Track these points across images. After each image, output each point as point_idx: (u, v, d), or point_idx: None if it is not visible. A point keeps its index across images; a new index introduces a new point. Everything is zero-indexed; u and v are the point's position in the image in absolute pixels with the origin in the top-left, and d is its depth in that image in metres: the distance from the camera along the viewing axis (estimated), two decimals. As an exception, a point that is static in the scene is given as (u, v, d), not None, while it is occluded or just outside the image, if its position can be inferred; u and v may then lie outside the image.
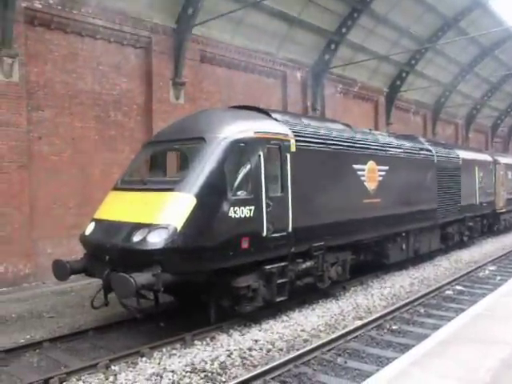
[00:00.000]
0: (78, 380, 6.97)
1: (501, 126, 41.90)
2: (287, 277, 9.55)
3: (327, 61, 21.69)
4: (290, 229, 9.43)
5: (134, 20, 15.01)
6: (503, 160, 24.45)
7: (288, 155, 9.55)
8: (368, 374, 6.54)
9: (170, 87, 15.99)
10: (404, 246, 14.33)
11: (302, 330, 9.15)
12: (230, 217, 8.23)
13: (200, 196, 7.94)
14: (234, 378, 7.05)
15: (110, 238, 8.07)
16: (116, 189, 9.30)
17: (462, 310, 9.36)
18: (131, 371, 7.28)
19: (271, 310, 10.08)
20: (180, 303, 9.91)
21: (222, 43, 17.69)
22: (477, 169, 20.07)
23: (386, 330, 9.31)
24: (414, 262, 15.59)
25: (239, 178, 8.64)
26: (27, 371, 7.38)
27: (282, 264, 9.40)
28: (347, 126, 12.81)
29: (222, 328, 9.05)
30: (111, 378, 7.02)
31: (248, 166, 8.75)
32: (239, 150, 8.67)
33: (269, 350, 8.17)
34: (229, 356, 7.82)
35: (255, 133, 9.00)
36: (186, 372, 7.20)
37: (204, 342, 8.46)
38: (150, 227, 7.69)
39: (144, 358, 7.73)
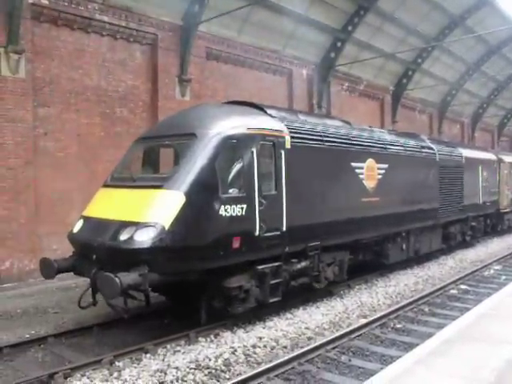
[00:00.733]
0: (82, 376, 6.99)
1: (507, 124, 41.72)
2: (281, 277, 9.30)
3: (333, 59, 21.65)
4: (284, 228, 9.18)
5: (140, 17, 15.03)
6: (508, 159, 24.05)
7: (283, 152, 9.28)
8: (372, 373, 6.53)
9: (175, 84, 16.00)
10: (404, 246, 14.05)
11: (306, 328, 9.15)
12: (221, 215, 7.97)
13: (189, 193, 7.69)
14: (237, 375, 7.06)
15: (97, 237, 7.87)
16: (105, 185, 9.08)
17: (467, 310, 9.33)
18: (135, 367, 7.30)
19: (275, 308, 10.09)
20: (172, 303, 9.72)
21: (228, 40, 17.69)
22: (480, 167, 19.71)
23: (390, 329, 9.29)
24: (418, 261, 15.55)
25: (231, 175, 8.41)
26: (32, 366, 7.42)
27: (276, 264, 9.16)
28: (346, 122, 12.64)
29: (226, 325, 9.06)
30: (115, 374, 7.04)
31: (240, 163, 8.49)
32: (231, 147, 8.42)
33: (273, 348, 8.17)
34: (233, 353, 7.83)
35: (248, 129, 8.75)
36: (190, 369, 7.21)
37: (208, 339, 8.47)
38: (137, 225, 7.46)
39: (148, 355, 7.75)
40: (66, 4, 13.38)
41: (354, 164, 11.45)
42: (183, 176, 7.83)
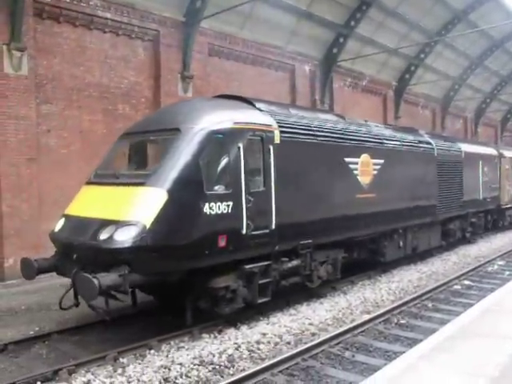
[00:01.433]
0: (86, 372, 7.01)
1: (511, 119, 41.60)
2: (270, 277, 9.06)
3: (336, 54, 21.61)
4: (274, 226, 8.92)
5: (142, 13, 15.01)
6: (509, 154, 23.63)
7: (271, 147, 9.00)
8: (376, 368, 6.54)
9: (178, 80, 15.99)
10: (401, 244, 13.75)
11: (310, 324, 9.15)
12: (205, 213, 7.74)
13: (172, 191, 7.47)
14: (241, 370, 7.07)
15: (78, 236, 7.70)
16: (89, 183, 8.84)
17: (471, 305, 9.31)
18: (139, 363, 7.31)
19: (279, 304, 10.10)
20: (159, 303, 9.58)
21: (231, 36, 17.66)
22: (480, 163, 19.40)
23: (393, 325, 9.29)
24: (422, 257, 15.54)
25: (216, 171, 8.19)
26: (37, 363, 7.44)
27: (265, 263, 8.91)
28: (340, 116, 12.38)
29: (229, 321, 9.07)
30: (119, 370, 7.06)
31: (226, 159, 8.26)
32: (217, 142, 8.18)
33: (276, 344, 8.18)
34: (237, 349, 7.84)
35: (235, 123, 8.50)
36: (194, 365, 7.23)
37: (212, 335, 8.48)
38: (117, 224, 7.26)
39: (152, 351, 7.77)
40: (68, 1, 13.37)
41: (347, 159, 11.15)
42: (166, 173, 7.61)
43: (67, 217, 8.43)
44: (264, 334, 8.51)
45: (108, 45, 14.56)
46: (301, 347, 7.77)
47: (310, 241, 9.85)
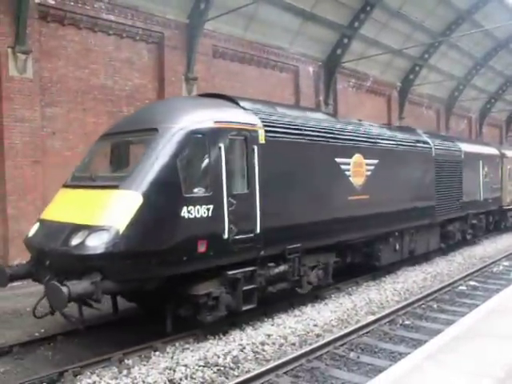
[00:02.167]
0: (91, 373, 7.03)
1: (516, 119, 41.49)
2: (256, 283, 8.63)
3: (340, 55, 21.60)
4: (258, 230, 8.51)
5: (146, 15, 15.05)
6: (511, 153, 23.11)
7: (255, 147, 8.60)
8: (381, 369, 6.53)
9: (182, 82, 16.02)
10: (398, 247, 13.21)
11: (315, 325, 9.14)
12: (183, 217, 7.37)
13: (148, 194, 7.12)
14: (246, 372, 7.07)
15: (50, 241, 7.36)
16: (66, 186, 8.49)
17: (476, 306, 9.29)
18: (144, 365, 7.32)
19: (283, 305, 10.10)
20: (142, 310, 9.25)
21: (235, 38, 17.68)
22: (481, 163, 18.83)
23: (398, 325, 9.27)
24: (427, 257, 15.50)
25: (195, 173, 7.85)
26: (42, 364, 7.45)
27: (250, 269, 8.50)
28: (331, 115, 11.94)
29: (234, 323, 9.07)
30: (125, 372, 7.07)
31: (206, 160, 7.89)
32: (196, 142, 7.80)
33: (281, 345, 8.17)
34: (241, 350, 7.84)
35: (215, 122, 8.09)
36: (199, 366, 7.23)
37: (217, 337, 8.48)
38: (89, 229, 6.93)
39: (157, 352, 7.77)
40: (73, 4, 13.43)
41: (338, 160, 10.72)
42: (141, 175, 7.27)
43: (42, 221, 8.10)
44: (269, 335, 8.50)
45: (112, 47, 14.60)
46: (306, 348, 7.77)
47: (298, 245, 9.44)
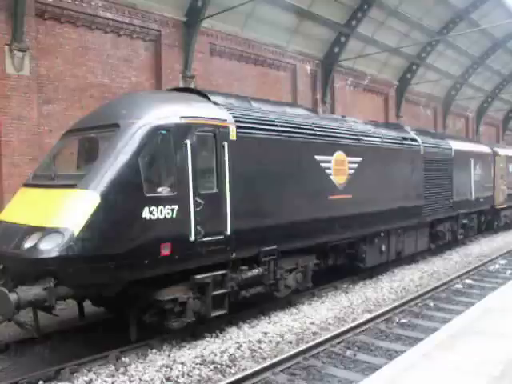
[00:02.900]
0: (88, 371, 7.05)
1: (512, 118, 41.55)
2: (226, 287, 8.27)
3: (337, 54, 21.57)
4: (229, 231, 8.14)
5: (143, 13, 15.00)
6: (503, 152, 22.64)
7: (226, 144, 8.20)
8: (377, 367, 6.56)
9: (179, 80, 15.97)
10: (384, 248, 12.81)
11: (312, 323, 9.18)
12: (144, 218, 7.00)
13: (106, 194, 6.75)
14: (243, 370, 7.11)
15: (4, 244, 6.95)
16: (26, 185, 8.09)
17: (472, 304, 9.33)
18: (141, 363, 7.35)
19: (280, 303, 10.12)
20: (111, 315, 8.87)
21: (232, 36, 17.64)
22: (472, 161, 18.40)
23: (395, 324, 9.32)
24: (423, 256, 15.56)
25: (158, 172, 7.48)
26: (39, 362, 7.46)
27: (219, 273, 8.15)
28: (312, 111, 11.54)
29: (231, 320, 9.09)
30: (121, 370, 7.10)
31: (171, 158, 7.50)
32: (160, 139, 7.41)
33: (278, 343, 8.21)
34: (238, 348, 7.87)
35: (181, 118, 7.70)
36: (196, 364, 7.27)
37: (214, 335, 8.51)
38: (43, 232, 6.56)
39: (154, 350, 7.80)
40: (70, 1, 13.37)
41: (318, 157, 10.28)
42: (100, 174, 6.88)
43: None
44: (265, 333, 8.53)
45: (109, 45, 14.55)
46: (302, 346, 7.80)
47: (273, 247, 9.08)
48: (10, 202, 8.18)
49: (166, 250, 7.27)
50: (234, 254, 8.37)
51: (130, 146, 7.12)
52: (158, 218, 7.16)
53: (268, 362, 7.14)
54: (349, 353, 7.80)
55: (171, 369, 7.10)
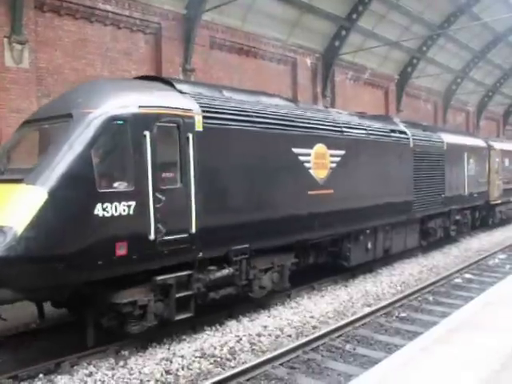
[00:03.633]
0: (88, 364, 7.06)
1: (513, 113, 41.49)
2: (192, 289, 7.77)
3: (337, 47, 21.50)
4: (194, 229, 7.60)
5: (143, 6, 14.93)
6: (499, 145, 22.03)
7: (191, 136, 7.65)
8: (376, 361, 6.56)
9: (179, 73, 15.91)
10: (370, 245, 12.25)
11: (311, 317, 9.19)
12: (97, 215, 6.49)
13: (54, 189, 6.25)
14: (242, 363, 7.12)
15: None
16: None
17: (471, 298, 9.35)
18: (141, 356, 7.37)
19: (280, 297, 10.13)
20: (74, 316, 8.24)
21: (232, 29, 17.58)
22: (466, 155, 17.73)
23: (394, 318, 9.33)
24: (423, 250, 15.56)
25: (114, 165, 7.00)
26: (40, 355, 7.46)
27: (184, 273, 7.64)
28: (291, 101, 10.98)
29: (231, 314, 9.10)
30: (121, 363, 7.11)
31: (128, 151, 6.97)
32: (116, 130, 6.90)
33: (277, 336, 8.22)
34: (238, 342, 7.89)
35: (140, 107, 7.16)
36: (196, 357, 7.28)
37: (213, 328, 8.52)
38: None
39: (154, 343, 7.81)
40: (69, -7, 13.32)
41: (296, 150, 9.69)
42: (49, 168, 6.37)
43: None
44: (265, 327, 8.54)
45: (109, 38, 14.49)
46: (302, 340, 7.82)
47: (245, 246, 8.55)
48: None
49: (121, 250, 6.77)
50: (200, 254, 7.85)
51: (83, 138, 6.61)
52: (112, 215, 6.65)
53: (268, 356, 7.16)
54: (348, 346, 7.81)
55: (171, 362, 7.11)
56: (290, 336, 8.27)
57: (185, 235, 7.54)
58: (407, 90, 27.60)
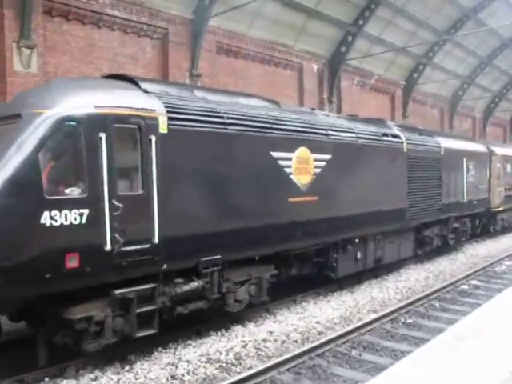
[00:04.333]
0: (94, 368, 7.06)
1: (520, 119, 41.35)
2: (155, 303, 7.20)
3: (344, 53, 21.53)
4: (157, 239, 7.04)
5: (150, 11, 15.02)
6: (500, 151, 21.26)
7: (153, 138, 7.08)
8: (382, 367, 6.55)
9: (186, 78, 15.97)
10: (359, 255, 11.61)
11: (317, 322, 9.16)
12: (44, 225, 5.96)
13: None
14: (248, 368, 7.10)
15: None
16: None
17: (478, 305, 9.31)
18: (147, 360, 7.36)
19: (286, 302, 10.11)
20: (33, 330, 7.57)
21: (239, 35, 17.64)
22: (465, 160, 16.95)
23: (400, 324, 9.30)
24: (429, 257, 15.50)
25: (64, 170, 6.49)
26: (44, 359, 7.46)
27: (147, 287, 7.07)
28: (273, 102, 10.20)
29: (236, 319, 9.09)
30: (127, 367, 7.11)
31: (81, 154, 6.41)
32: (68, 132, 6.39)
33: (283, 342, 8.20)
34: (244, 347, 7.87)
35: (96, 107, 6.60)
36: (201, 362, 7.27)
37: (219, 333, 8.51)
38: None
39: (159, 348, 7.80)
40: (77, -2, 13.41)
41: (275, 154, 9.04)
42: None
43: None
44: (271, 332, 8.52)
45: (117, 43, 14.57)
46: (308, 346, 7.80)
47: (217, 257, 7.97)
48: None
49: (73, 262, 6.23)
50: (165, 265, 7.26)
51: (31, 140, 6.11)
52: (61, 224, 6.11)
53: (273, 361, 7.14)
54: (354, 352, 7.78)
55: (177, 367, 7.10)
56: (295, 341, 8.25)
57: (146, 246, 6.98)
58: (413, 96, 27.58)
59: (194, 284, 7.78)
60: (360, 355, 7.69)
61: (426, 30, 24.90)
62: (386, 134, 12.66)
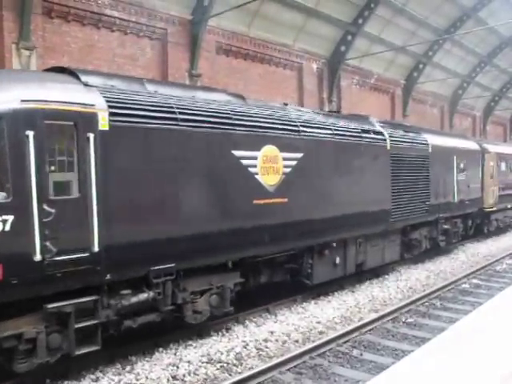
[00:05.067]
0: (95, 369, 7.06)
1: (520, 117, 41.33)
2: (99, 317, 6.59)
3: (344, 52, 21.52)
4: (97, 247, 6.40)
5: (150, 11, 15.01)
6: (494, 148, 20.46)
7: (92, 136, 6.42)
8: (383, 367, 6.54)
9: (185, 79, 15.97)
10: (338, 260, 10.89)
11: (318, 322, 9.16)
12: None
13: None
14: (249, 368, 7.10)
15: None
16: None
17: (479, 304, 9.29)
18: (148, 361, 7.36)
19: (287, 302, 10.10)
20: None
21: (238, 34, 17.63)
22: (455, 158, 16.12)
23: (401, 323, 9.29)
24: (430, 256, 15.49)
25: None
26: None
27: (87, 299, 6.45)
28: (238, 96, 9.49)
29: (237, 319, 9.09)
30: (128, 368, 7.12)
31: (3, 153, 5.78)
32: None
33: (284, 342, 8.20)
34: (244, 347, 7.87)
35: (23, 102, 5.96)
36: (202, 362, 7.27)
37: (220, 333, 8.52)
38: None
39: (160, 349, 7.80)
40: (77, 0, 13.40)
41: (238, 153, 8.33)
42: None
43: None
44: (272, 333, 8.53)
45: (116, 43, 14.58)
46: (309, 345, 7.80)
47: (170, 265, 7.29)
48: None
49: None
50: (108, 276, 6.61)
51: None
52: None
53: (274, 361, 7.14)
54: (355, 352, 7.78)
55: (178, 367, 7.11)
56: (296, 341, 8.25)
57: (85, 254, 6.32)
58: (413, 95, 27.57)
59: (144, 295, 7.13)
60: (361, 355, 7.69)
61: (426, 29, 24.89)
62: (366, 131, 11.84)
